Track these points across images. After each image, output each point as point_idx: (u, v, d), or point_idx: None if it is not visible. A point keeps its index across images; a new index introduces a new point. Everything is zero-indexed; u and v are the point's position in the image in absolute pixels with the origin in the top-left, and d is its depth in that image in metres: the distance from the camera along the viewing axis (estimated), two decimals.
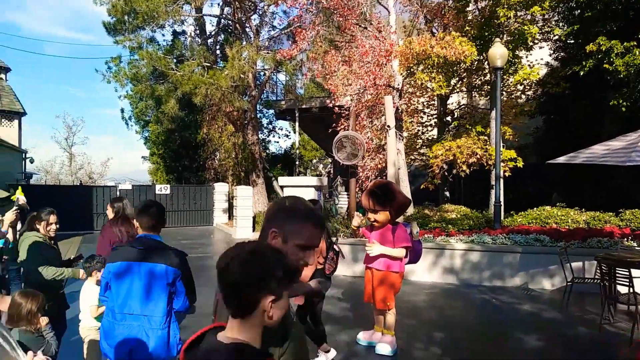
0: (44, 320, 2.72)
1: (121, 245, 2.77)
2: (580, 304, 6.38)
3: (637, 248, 7.04)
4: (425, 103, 14.05)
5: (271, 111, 23.13)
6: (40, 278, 3.58)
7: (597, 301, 5.91)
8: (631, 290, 4.94)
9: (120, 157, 69.77)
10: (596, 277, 6.01)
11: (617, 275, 5.16)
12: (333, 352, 4.40)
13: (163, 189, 17.90)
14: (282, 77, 20.97)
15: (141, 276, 2.57)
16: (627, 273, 4.97)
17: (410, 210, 10.97)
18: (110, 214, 4.37)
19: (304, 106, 18.51)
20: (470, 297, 6.98)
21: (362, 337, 4.90)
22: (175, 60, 17.99)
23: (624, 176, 11.01)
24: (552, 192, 12.48)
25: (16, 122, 22.56)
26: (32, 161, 23.93)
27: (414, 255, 4.64)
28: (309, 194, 8.68)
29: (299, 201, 1.51)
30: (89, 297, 3.59)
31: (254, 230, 14.56)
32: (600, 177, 11.66)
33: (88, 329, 3.60)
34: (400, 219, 4.86)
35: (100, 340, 2.61)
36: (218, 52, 20.12)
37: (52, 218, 3.93)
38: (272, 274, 1.14)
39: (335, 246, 4.21)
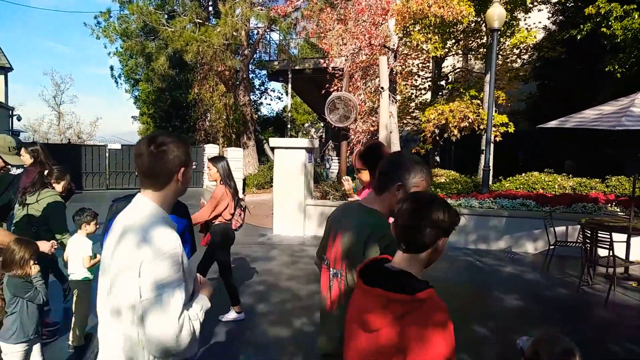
0: (34, 268, 2.77)
1: (128, 195, 2.71)
2: (561, 267, 6.53)
3: (620, 213, 7.15)
4: (420, 65, 13.83)
5: (263, 72, 22.71)
6: (50, 237, 3.47)
7: (577, 264, 6.05)
8: (611, 253, 5.05)
9: (110, 118, 68.86)
10: (578, 240, 6.13)
11: (599, 238, 5.26)
12: (242, 316, 4.43)
13: None
14: (275, 36, 20.50)
15: None
16: (609, 236, 5.07)
17: None
18: (28, 159, 4.19)
19: (297, 67, 18.13)
20: (455, 259, 7.11)
21: None
22: (166, 16, 17.46)
23: (614, 144, 11.06)
24: (542, 158, 12.54)
25: (2, 77, 21.98)
26: (19, 119, 23.49)
27: None
28: (300, 156, 8.63)
29: (410, 156, 1.78)
30: (79, 249, 3.58)
31: (244, 193, 14.57)
32: (590, 144, 11.70)
33: (77, 282, 3.61)
34: None
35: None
36: (210, 8, 19.50)
37: (68, 177, 3.92)
38: (454, 219, 1.36)
39: (241, 202, 4.43)
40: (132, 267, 1.39)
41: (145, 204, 1.52)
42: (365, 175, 4.48)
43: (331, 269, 1.76)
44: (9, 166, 3.23)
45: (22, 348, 2.74)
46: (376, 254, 1.59)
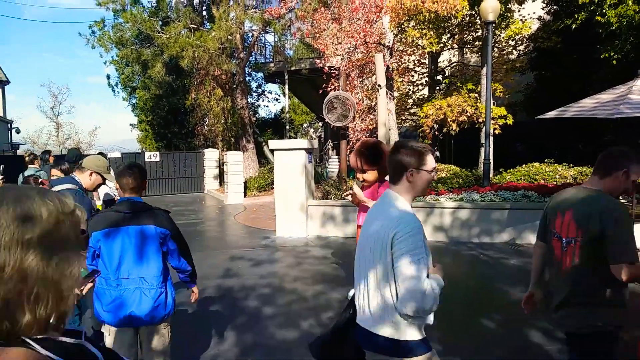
0: None
1: (104, 211, 2.71)
2: None
3: (622, 201, 7.15)
4: (416, 61, 13.83)
5: (260, 74, 22.72)
6: None
7: None
8: None
9: (109, 127, 68.86)
10: None
11: None
12: None
13: (153, 156, 17.75)
14: (270, 38, 20.54)
15: (132, 239, 2.52)
16: None
17: None
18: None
19: (293, 68, 18.14)
20: (460, 253, 7.11)
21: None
22: (160, 23, 17.43)
23: (613, 132, 11.05)
24: (542, 149, 12.52)
25: None
26: (18, 131, 23.56)
27: None
28: (300, 157, 8.63)
29: (634, 151, 2.20)
30: None
31: (245, 196, 14.57)
32: (590, 133, 11.69)
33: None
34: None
35: (96, 308, 2.58)
36: (204, 13, 19.50)
37: None
38: None
39: None
40: (386, 242, 1.79)
41: (390, 194, 1.97)
42: (371, 175, 4.49)
43: (564, 239, 2.22)
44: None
45: None
46: (611, 226, 2.03)
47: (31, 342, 0.75)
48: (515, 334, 4.01)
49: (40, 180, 4.46)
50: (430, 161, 1.93)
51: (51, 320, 0.78)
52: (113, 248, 2.52)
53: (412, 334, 1.83)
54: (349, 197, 4.59)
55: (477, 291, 5.41)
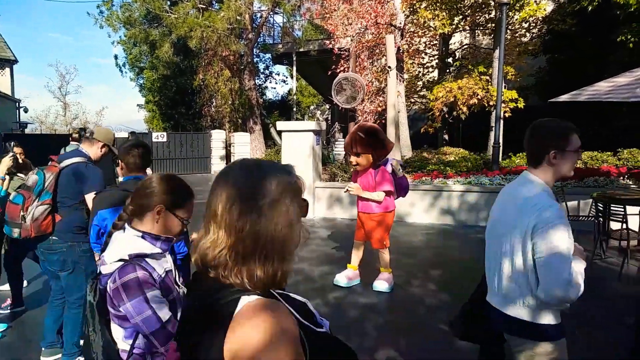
0: None
1: (108, 189, 2.71)
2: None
3: (632, 186, 7.07)
4: (427, 43, 13.62)
5: (268, 56, 22.53)
6: None
7: (589, 238, 6.01)
8: (624, 226, 5.00)
9: (116, 107, 68.96)
10: (591, 214, 6.08)
11: (612, 212, 5.21)
12: None
13: (160, 136, 17.77)
14: (279, 19, 20.24)
15: None
16: (622, 210, 5.02)
17: (409, 153, 10.94)
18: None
19: (301, 49, 17.95)
20: (467, 237, 7.10)
21: (342, 279, 4.87)
22: (169, 2, 17.28)
23: (627, 116, 10.88)
24: None
25: (8, 70, 22.05)
26: (26, 110, 23.61)
27: (401, 190, 4.67)
28: (308, 139, 8.59)
29: None
30: None
31: None
32: (603, 117, 11.52)
33: None
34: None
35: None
36: None
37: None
38: None
39: None
40: (525, 230, 1.73)
41: (529, 177, 1.86)
42: (365, 159, 4.44)
43: None
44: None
45: None
46: None
47: (274, 293, 0.88)
48: None
49: (24, 156, 4.51)
50: (575, 141, 1.83)
51: (277, 278, 0.90)
52: None
53: (547, 318, 1.79)
54: (353, 191, 4.51)
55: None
